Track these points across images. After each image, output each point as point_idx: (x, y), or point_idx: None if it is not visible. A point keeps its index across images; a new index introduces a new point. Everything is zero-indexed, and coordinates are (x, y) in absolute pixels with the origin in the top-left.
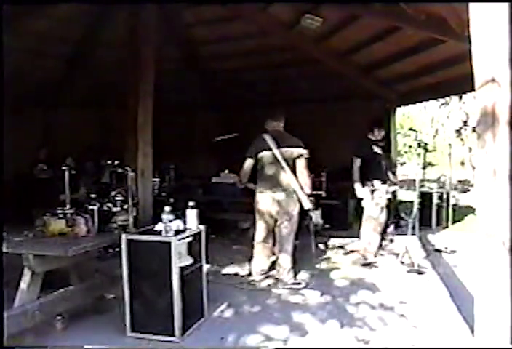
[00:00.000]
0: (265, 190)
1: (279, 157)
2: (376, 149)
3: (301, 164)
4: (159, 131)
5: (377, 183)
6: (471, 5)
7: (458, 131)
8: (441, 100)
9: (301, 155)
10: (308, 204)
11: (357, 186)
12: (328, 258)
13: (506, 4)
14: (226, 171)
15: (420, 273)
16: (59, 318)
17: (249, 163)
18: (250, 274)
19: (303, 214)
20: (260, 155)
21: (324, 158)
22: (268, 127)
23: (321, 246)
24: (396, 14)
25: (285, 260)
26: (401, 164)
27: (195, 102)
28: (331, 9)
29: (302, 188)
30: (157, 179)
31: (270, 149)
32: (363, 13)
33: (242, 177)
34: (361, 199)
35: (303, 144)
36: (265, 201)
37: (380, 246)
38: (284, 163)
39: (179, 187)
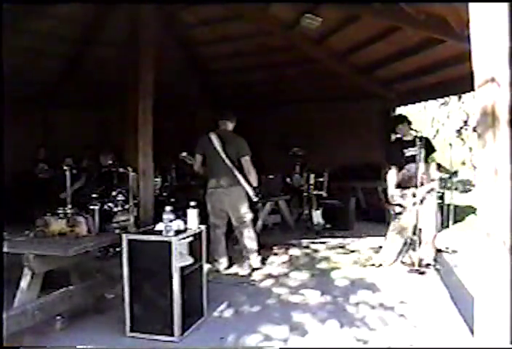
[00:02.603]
0: (211, 187)
1: (223, 155)
2: (408, 152)
3: (246, 163)
4: (160, 131)
5: (395, 191)
6: (471, 5)
7: (459, 131)
8: (441, 100)
9: (244, 155)
10: (254, 196)
11: (395, 197)
12: (328, 258)
13: (506, 4)
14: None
15: (420, 272)
16: (59, 318)
17: (199, 159)
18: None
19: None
20: (207, 153)
21: (324, 157)
22: (220, 126)
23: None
24: (396, 14)
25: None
26: None
27: (195, 102)
28: (331, 9)
29: (250, 184)
30: (158, 179)
31: (215, 148)
32: (363, 13)
33: (197, 170)
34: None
35: (247, 144)
36: (215, 196)
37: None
38: (228, 161)
39: (180, 187)
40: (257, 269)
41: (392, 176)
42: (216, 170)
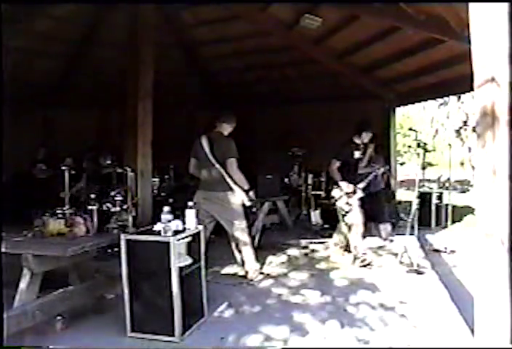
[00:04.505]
0: (201, 189)
1: (211, 159)
2: (357, 155)
3: (231, 166)
4: (159, 131)
5: (343, 184)
6: (471, 5)
7: (458, 132)
8: (440, 100)
9: (229, 157)
10: (247, 201)
11: (343, 184)
12: (327, 258)
13: (506, 4)
14: None
15: (419, 273)
16: (59, 318)
17: (192, 163)
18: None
19: (246, 209)
20: (197, 156)
21: (323, 158)
22: (216, 127)
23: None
24: (396, 14)
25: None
26: (401, 164)
27: (195, 102)
28: (330, 9)
29: (239, 187)
30: (156, 179)
31: (204, 151)
32: (362, 13)
33: (192, 172)
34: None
35: (236, 146)
36: (203, 199)
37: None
38: (217, 165)
39: (178, 187)
40: (261, 273)
41: (335, 168)
42: (206, 174)
